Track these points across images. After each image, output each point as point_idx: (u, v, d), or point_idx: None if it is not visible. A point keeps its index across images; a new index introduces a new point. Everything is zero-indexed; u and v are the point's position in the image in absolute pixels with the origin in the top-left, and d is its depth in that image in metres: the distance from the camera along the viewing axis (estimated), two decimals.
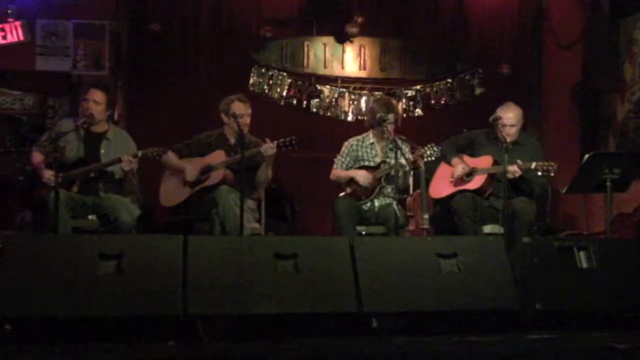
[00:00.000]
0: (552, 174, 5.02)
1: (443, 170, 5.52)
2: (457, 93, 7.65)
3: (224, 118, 5.28)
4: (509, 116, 5.30)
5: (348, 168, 5.47)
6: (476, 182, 5.28)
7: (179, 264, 3.65)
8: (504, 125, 5.25)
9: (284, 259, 3.78)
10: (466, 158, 5.46)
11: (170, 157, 5.25)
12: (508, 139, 5.18)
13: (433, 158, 5.25)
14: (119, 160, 4.90)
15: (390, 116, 5.28)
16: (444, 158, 5.47)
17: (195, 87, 7.09)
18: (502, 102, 5.51)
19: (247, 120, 5.21)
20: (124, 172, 4.95)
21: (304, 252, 3.82)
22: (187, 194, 5.15)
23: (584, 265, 4.13)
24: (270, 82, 7.32)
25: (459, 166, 5.36)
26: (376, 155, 5.44)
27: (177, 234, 3.80)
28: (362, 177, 5.30)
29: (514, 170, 5.05)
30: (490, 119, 5.20)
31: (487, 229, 5.26)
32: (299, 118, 7.39)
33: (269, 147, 4.99)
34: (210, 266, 3.69)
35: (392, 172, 5.11)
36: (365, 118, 5.82)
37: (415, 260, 3.93)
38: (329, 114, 7.47)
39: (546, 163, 5.02)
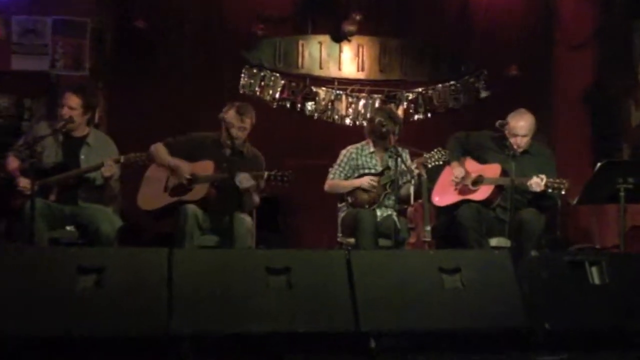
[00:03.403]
0: (562, 192, 5.01)
1: (448, 175, 5.51)
2: (461, 96, 7.67)
3: (222, 123, 5.26)
4: (521, 125, 5.28)
5: (347, 178, 5.47)
6: (482, 193, 5.27)
7: (163, 279, 3.64)
8: (515, 135, 5.24)
9: (276, 274, 3.76)
10: (472, 163, 5.46)
11: (161, 149, 5.21)
12: (518, 149, 5.18)
13: (441, 162, 5.22)
14: (100, 166, 4.88)
15: (397, 128, 5.30)
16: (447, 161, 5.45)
17: (182, 89, 7.08)
18: (508, 106, 5.50)
19: (240, 133, 5.14)
20: (104, 178, 4.93)
21: (298, 267, 3.81)
22: (165, 201, 5.12)
23: (596, 281, 4.12)
24: (262, 83, 7.32)
25: (457, 170, 5.35)
26: (376, 165, 5.46)
27: (162, 247, 3.79)
28: (368, 182, 5.30)
29: (536, 183, 5.02)
30: (497, 124, 5.19)
31: (494, 242, 5.26)
32: (292, 122, 7.39)
33: (243, 179, 4.92)
34: (197, 281, 3.67)
35: (395, 179, 5.10)
36: (364, 125, 5.82)
37: (416, 276, 3.92)
38: (324, 117, 7.48)
39: (557, 180, 5.00)
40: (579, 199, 5.30)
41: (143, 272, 3.67)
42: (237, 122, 5.15)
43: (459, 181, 5.34)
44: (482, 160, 5.45)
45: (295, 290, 3.74)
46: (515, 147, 5.18)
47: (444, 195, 5.46)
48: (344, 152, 5.55)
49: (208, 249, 4.81)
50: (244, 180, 4.92)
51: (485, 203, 5.26)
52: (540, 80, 7.74)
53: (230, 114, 5.16)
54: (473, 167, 5.43)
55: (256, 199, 5.23)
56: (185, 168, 5.11)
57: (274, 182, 4.94)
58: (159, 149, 5.19)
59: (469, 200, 5.28)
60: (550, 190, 5.02)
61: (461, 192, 5.37)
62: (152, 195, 5.19)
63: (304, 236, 7.16)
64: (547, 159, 5.41)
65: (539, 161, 5.30)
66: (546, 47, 7.80)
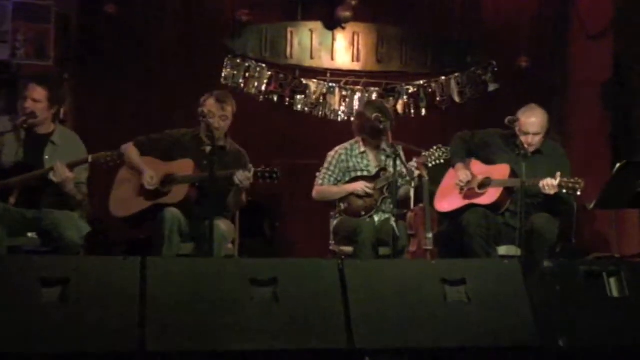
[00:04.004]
0: (578, 193, 5.02)
1: (451, 178, 5.52)
2: (466, 90, 7.69)
3: (200, 117, 5.27)
4: (532, 121, 5.30)
5: (337, 182, 5.47)
6: (490, 196, 5.28)
7: (135, 291, 3.63)
8: (526, 133, 5.26)
9: (261, 286, 3.76)
10: (478, 164, 5.47)
11: (132, 151, 5.21)
12: (529, 148, 5.19)
13: (442, 161, 5.24)
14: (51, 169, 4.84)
15: (388, 124, 5.30)
16: (451, 158, 5.45)
17: (158, 81, 7.07)
18: (519, 100, 5.53)
19: (222, 123, 5.17)
20: (58, 184, 4.88)
21: (285, 277, 3.81)
22: (141, 206, 5.11)
23: (615, 293, 4.14)
24: (247, 74, 7.33)
25: (462, 173, 5.37)
26: (369, 165, 5.47)
27: (134, 255, 3.79)
28: (363, 188, 5.32)
29: (550, 184, 5.04)
30: (507, 120, 5.21)
31: (502, 250, 5.27)
32: (280, 118, 7.40)
33: (245, 177, 4.94)
34: (174, 294, 3.66)
35: (394, 181, 5.10)
36: (353, 122, 5.83)
37: (417, 287, 3.93)
38: (316, 113, 7.48)
39: (572, 180, 5.01)
40: (596, 203, 5.31)
41: (113, 283, 3.65)
42: (218, 111, 5.16)
43: (464, 185, 5.35)
44: (489, 160, 5.46)
45: (282, 304, 3.74)
46: (526, 146, 5.19)
47: (447, 200, 5.47)
48: (331, 154, 5.55)
49: (186, 258, 4.80)
50: (243, 178, 4.93)
51: (493, 208, 5.27)
52: (554, 72, 7.77)
53: (209, 103, 5.18)
54: (479, 168, 5.44)
55: (244, 198, 5.24)
56: (150, 175, 5.10)
57: (262, 179, 4.94)
58: (129, 150, 5.19)
59: (475, 205, 5.29)
60: (564, 191, 5.03)
61: (467, 196, 5.37)
62: (126, 199, 5.19)
63: (293, 244, 7.16)
64: (561, 159, 5.42)
65: (552, 161, 5.31)
66: (561, 36, 7.83)
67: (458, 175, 5.40)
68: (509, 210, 5.29)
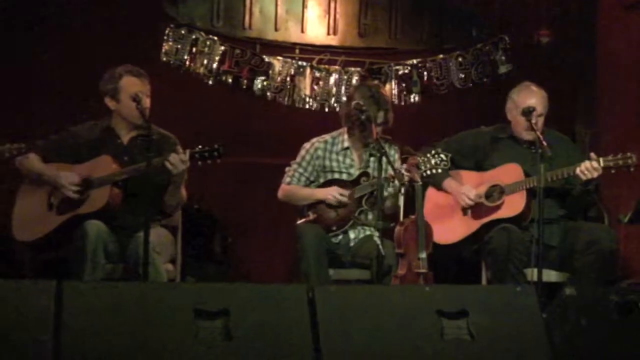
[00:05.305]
0: (632, 169, 5.06)
1: (438, 198, 5.58)
2: (471, 71, 7.72)
3: (110, 103, 5.26)
4: (532, 102, 5.42)
5: (309, 184, 5.48)
6: (513, 206, 5.32)
7: (49, 322, 3.61)
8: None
9: (209, 318, 3.76)
10: (470, 175, 5.52)
11: (32, 160, 5.20)
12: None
13: (439, 170, 5.23)
14: None
15: (381, 114, 5.31)
16: (431, 180, 5.46)
17: (82, 56, 7.04)
18: (537, 84, 5.57)
19: (148, 102, 5.18)
20: None
21: (240, 307, 3.81)
22: (53, 223, 5.11)
23: None
24: (194, 49, 7.33)
25: (463, 190, 5.41)
26: (351, 166, 5.48)
27: (48, 278, 3.77)
28: (334, 195, 5.32)
29: (591, 167, 5.09)
30: (521, 112, 5.28)
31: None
32: (235, 104, 7.39)
33: (179, 160, 4.95)
34: (96, 327, 3.65)
35: (378, 188, 5.11)
36: (338, 109, 5.84)
37: (406, 321, 3.94)
38: (280, 98, 7.48)
39: (619, 156, 5.08)
40: (631, 216, 5.36)
41: (21, 311, 3.62)
42: (142, 88, 5.16)
43: (473, 204, 5.39)
44: (481, 167, 5.52)
45: (235, 342, 3.73)
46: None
47: (449, 227, 5.52)
48: (306, 146, 5.57)
49: (112, 282, 4.79)
50: (177, 161, 4.92)
51: (518, 220, 5.30)
52: (581, 50, 7.82)
53: (129, 82, 5.16)
54: (476, 178, 5.52)
55: (183, 192, 5.25)
56: (67, 176, 5.10)
57: (202, 160, 4.95)
58: (28, 159, 5.16)
59: (498, 221, 5.30)
60: (613, 171, 5.07)
61: (476, 215, 5.40)
62: (32, 219, 5.20)
63: (250, 265, 7.15)
64: (572, 146, 5.63)
65: (562, 149, 5.41)
66: (589, 5, 7.89)
67: (460, 192, 5.42)
68: (534, 220, 5.29)
